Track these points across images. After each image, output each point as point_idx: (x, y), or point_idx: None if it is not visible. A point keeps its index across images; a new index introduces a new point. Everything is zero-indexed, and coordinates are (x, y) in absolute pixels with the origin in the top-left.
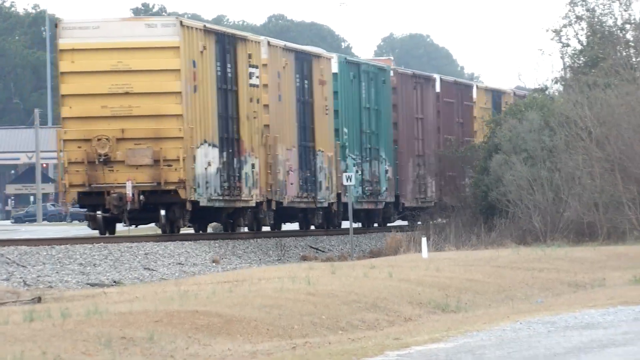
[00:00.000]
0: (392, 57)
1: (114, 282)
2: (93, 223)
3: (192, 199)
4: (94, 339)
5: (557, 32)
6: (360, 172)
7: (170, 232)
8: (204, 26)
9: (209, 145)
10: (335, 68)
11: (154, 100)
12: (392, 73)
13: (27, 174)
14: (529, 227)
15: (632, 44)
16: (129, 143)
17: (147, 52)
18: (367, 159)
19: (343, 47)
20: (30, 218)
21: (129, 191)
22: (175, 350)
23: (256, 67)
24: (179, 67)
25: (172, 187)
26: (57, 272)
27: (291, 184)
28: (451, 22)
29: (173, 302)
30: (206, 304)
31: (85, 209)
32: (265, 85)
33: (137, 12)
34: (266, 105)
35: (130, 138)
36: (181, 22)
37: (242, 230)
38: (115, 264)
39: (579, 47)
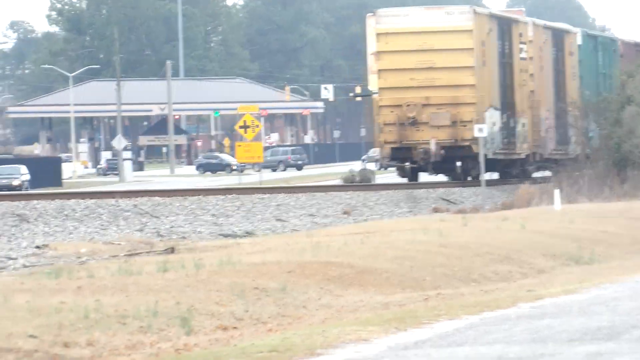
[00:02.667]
0: (523, 9)
1: (247, 233)
2: (401, 172)
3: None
4: (227, 289)
5: None
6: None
7: (464, 179)
8: (489, 12)
9: (493, 109)
10: (579, 40)
11: (452, 74)
12: (619, 43)
13: (159, 125)
14: None
15: None
16: (432, 108)
17: (446, 35)
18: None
19: None
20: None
21: (432, 147)
22: (308, 301)
23: (524, 43)
24: (472, 47)
25: (466, 144)
26: (190, 223)
27: (550, 139)
28: None
29: (305, 253)
30: (338, 255)
31: (396, 161)
32: (531, 58)
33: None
34: (531, 75)
35: (432, 104)
36: (474, 10)
37: (511, 179)
38: (247, 215)
39: None
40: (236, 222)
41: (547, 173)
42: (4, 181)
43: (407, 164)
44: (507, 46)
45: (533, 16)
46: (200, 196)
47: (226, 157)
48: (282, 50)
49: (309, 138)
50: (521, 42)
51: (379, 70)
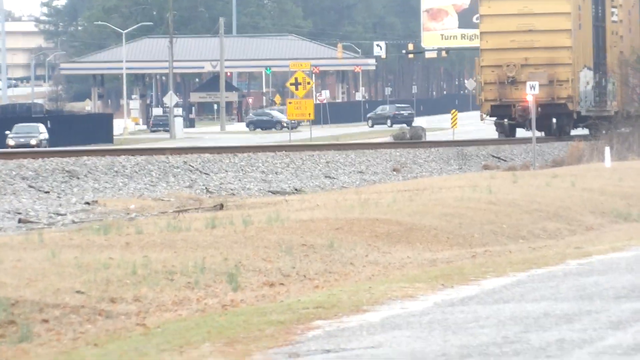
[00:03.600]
0: None
1: (296, 189)
2: (500, 128)
3: (576, 110)
4: (275, 245)
5: None
6: None
7: (558, 135)
8: None
9: (587, 69)
10: None
11: (550, 36)
12: None
13: (211, 82)
14: None
15: None
16: (530, 68)
17: (545, 0)
18: None
19: None
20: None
21: (530, 104)
22: (355, 258)
23: (615, 7)
24: (569, 11)
25: (562, 101)
26: (239, 180)
27: (635, 97)
28: None
29: (353, 210)
30: (386, 212)
31: (495, 118)
32: (621, 21)
33: None
34: (621, 36)
35: (531, 64)
36: None
37: (572, 134)
38: (296, 172)
39: None
40: (285, 179)
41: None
42: (21, 140)
43: (505, 120)
44: (600, 10)
45: None
46: (250, 153)
47: (277, 114)
48: (334, 7)
49: (360, 95)
50: (612, 6)
51: (481, 33)
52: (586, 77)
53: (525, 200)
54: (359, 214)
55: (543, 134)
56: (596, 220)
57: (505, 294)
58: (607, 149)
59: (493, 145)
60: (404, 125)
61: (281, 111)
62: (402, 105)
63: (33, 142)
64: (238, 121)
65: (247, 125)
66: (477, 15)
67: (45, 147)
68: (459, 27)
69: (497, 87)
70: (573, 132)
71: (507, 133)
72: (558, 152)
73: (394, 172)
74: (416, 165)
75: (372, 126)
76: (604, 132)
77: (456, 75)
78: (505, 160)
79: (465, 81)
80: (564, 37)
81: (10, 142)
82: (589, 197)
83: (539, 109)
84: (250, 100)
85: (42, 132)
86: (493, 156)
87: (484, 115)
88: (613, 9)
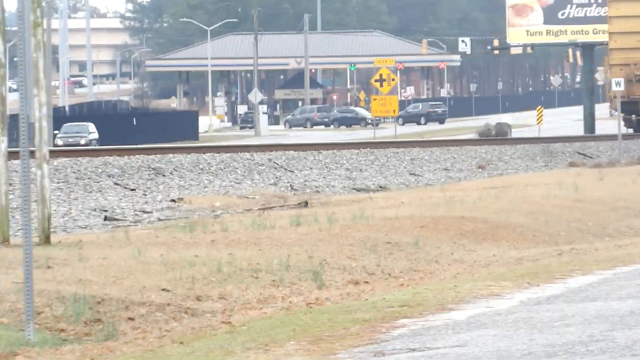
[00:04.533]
0: None
1: (380, 187)
2: (628, 123)
3: None
4: (360, 243)
5: None
6: None
7: None
8: None
9: None
10: None
11: None
12: None
13: (295, 79)
14: None
15: None
16: None
17: None
18: None
19: None
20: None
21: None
22: (440, 256)
23: None
24: None
25: None
26: (323, 177)
27: None
28: None
29: (438, 208)
30: (472, 210)
31: (623, 114)
32: None
33: None
34: None
35: None
36: None
37: None
38: (381, 169)
39: None
40: (370, 176)
41: None
42: (70, 140)
43: (633, 116)
44: None
45: None
46: (334, 150)
47: (361, 111)
48: (419, 3)
49: (445, 92)
50: None
51: (610, 33)
52: None
53: (611, 197)
54: (444, 212)
55: None
56: None
57: (591, 292)
58: None
59: (579, 142)
60: (487, 122)
61: (366, 108)
62: (436, 102)
63: (82, 141)
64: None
65: (332, 122)
66: (562, 11)
67: (95, 146)
68: (544, 23)
69: (626, 85)
70: None
71: (634, 128)
72: None
73: (479, 169)
74: (502, 162)
75: (402, 124)
76: None
77: (541, 71)
78: (591, 157)
79: (551, 77)
80: None
81: (59, 142)
82: None
83: None
84: (334, 97)
85: (91, 131)
86: (579, 153)
87: (613, 111)
88: None
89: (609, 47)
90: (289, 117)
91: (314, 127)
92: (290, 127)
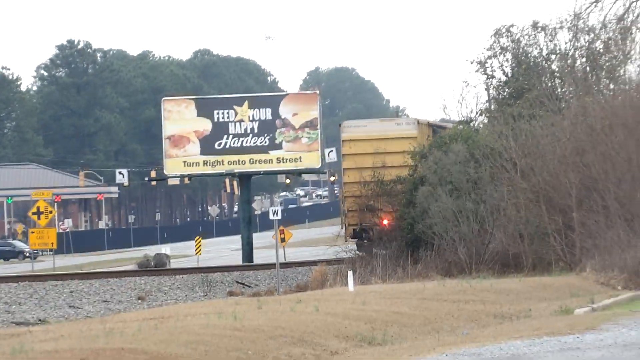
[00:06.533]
0: (317, 91)
1: (39, 320)
2: (360, 248)
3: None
4: None
5: (482, 64)
6: None
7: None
8: (428, 122)
9: None
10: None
11: (400, 170)
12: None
13: None
14: (454, 258)
15: (558, 74)
16: (386, 198)
17: (396, 141)
18: None
19: (269, 81)
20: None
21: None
22: None
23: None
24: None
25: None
26: None
27: None
28: (376, 56)
29: (99, 340)
30: (132, 342)
31: (356, 239)
32: None
33: (61, 48)
34: None
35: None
36: (417, 121)
37: None
38: (40, 302)
39: (503, 78)
40: (29, 310)
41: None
42: None
43: (365, 241)
44: None
45: (326, 97)
46: None
47: (19, 244)
48: (76, 135)
49: (103, 223)
50: None
51: (344, 169)
52: None
53: (270, 325)
54: (104, 344)
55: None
56: (340, 345)
57: None
58: (350, 273)
59: (238, 272)
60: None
61: (24, 241)
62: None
63: None
64: None
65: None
66: (219, 142)
67: None
68: (201, 153)
69: (358, 214)
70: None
71: (366, 250)
72: (302, 277)
73: (139, 301)
74: (161, 293)
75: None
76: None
77: (199, 201)
78: (250, 286)
79: (209, 207)
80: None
81: None
82: (333, 321)
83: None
84: None
85: None
86: (238, 282)
87: (348, 238)
88: None
89: (344, 181)
90: None
91: None
92: None
